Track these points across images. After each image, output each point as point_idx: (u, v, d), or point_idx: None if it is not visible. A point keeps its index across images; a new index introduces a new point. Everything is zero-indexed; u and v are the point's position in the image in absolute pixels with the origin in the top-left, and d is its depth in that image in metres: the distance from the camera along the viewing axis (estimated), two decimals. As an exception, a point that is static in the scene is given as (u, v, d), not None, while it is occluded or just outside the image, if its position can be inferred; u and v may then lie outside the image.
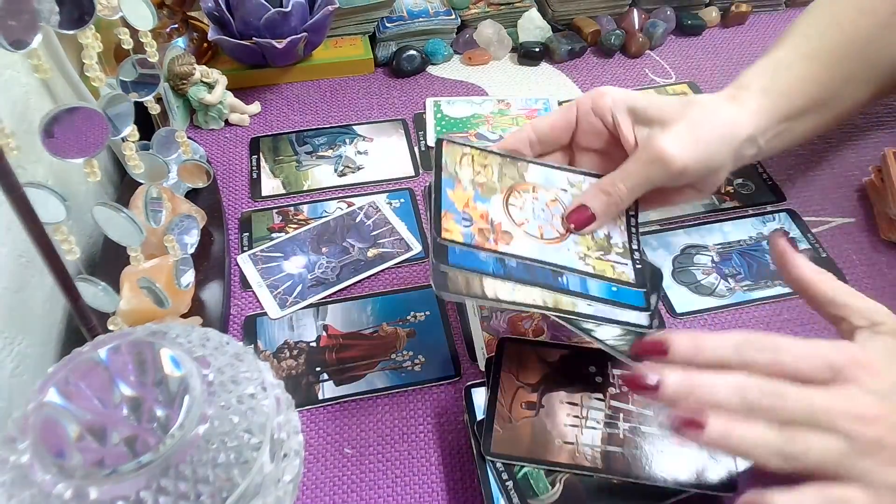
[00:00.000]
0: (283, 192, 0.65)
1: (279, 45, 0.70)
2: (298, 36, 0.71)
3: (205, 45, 0.76)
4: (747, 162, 0.51)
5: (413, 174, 0.67)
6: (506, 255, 0.43)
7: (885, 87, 0.59)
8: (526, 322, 0.54)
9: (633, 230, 0.48)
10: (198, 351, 0.34)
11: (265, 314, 0.55)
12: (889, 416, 0.35)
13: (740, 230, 0.60)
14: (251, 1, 0.69)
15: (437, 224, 0.43)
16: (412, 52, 0.77)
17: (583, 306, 0.42)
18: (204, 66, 0.70)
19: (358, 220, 0.62)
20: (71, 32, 0.41)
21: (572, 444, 0.43)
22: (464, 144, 0.47)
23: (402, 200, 0.64)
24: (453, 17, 0.80)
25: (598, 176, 0.49)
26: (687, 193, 0.50)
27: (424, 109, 0.73)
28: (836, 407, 0.35)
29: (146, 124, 0.52)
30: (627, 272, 0.45)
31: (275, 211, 0.63)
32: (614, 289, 0.44)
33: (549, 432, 0.43)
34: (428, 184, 0.47)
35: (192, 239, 0.55)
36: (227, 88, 0.71)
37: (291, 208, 0.64)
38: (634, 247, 0.47)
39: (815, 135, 0.58)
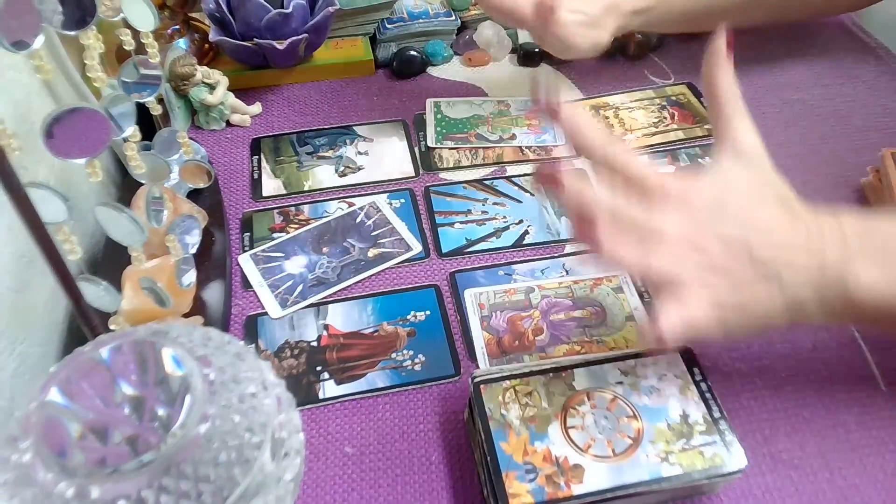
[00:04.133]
0: (284, 192, 0.65)
1: (280, 46, 0.70)
2: (299, 37, 0.71)
3: (206, 46, 0.76)
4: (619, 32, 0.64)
5: (413, 174, 0.67)
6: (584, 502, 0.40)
7: (788, 13, 0.72)
8: (526, 321, 0.54)
9: (709, 395, 0.44)
10: (199, 350, 0.34)
11: (266, 314, 0.55)
12: (707, 238, 0.41)
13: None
14: (252, 2, 0.70)
15: (502, 490, 0.40)
16: (412, 52, 0.77)
17: None
18: (205, 67, 0.70)
19: (358, 220, 0.62)
20: (73, 33, 0.41)
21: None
22: (500, 378, 0.44)
23: (403, 200, 0.64)
24: (453, 18, 0.80)
25: (640, 355, 0.46)
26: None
27: (425, 110, 0.73)
28: (666, 227, 0.41)
29: (148, 125, 0.52)
30: (719, 451, 0.41)
31: (276, 211, 0.64)
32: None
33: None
34: (476, 437, 0.45)
35: (194, 239, 0.55)
36: (229, 89, 0.71)
37: (292, 208, 0.64)
38: (717, 414, 0.43)
39: (697, 30, 0.69)
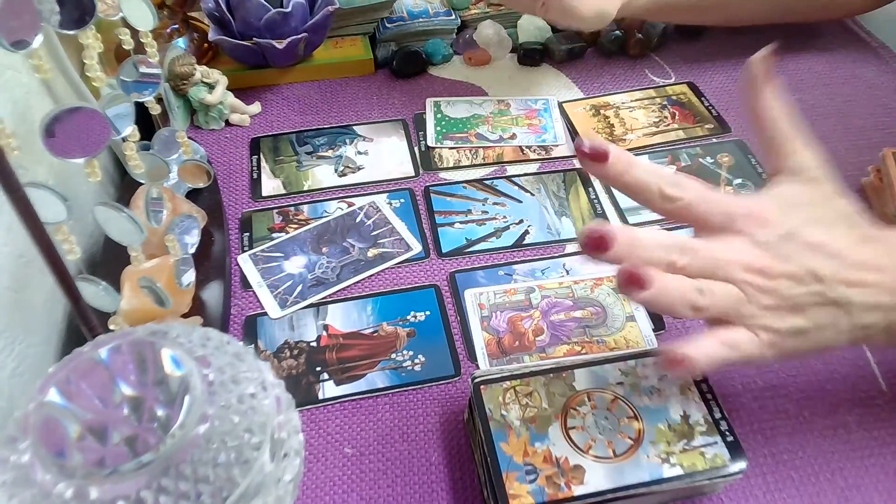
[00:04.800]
0: (284, 192, 0.65)
1: (279, 45, 0.70)
2: (299, 36, 0.71)
3: (205, 45, 0.76)
4: (625, 11, 0.64)
5: (413, 174, 0.67)
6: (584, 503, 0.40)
7: (791, 11, 0.71)
8: (526, 321, 0.54)
9: (710, 395, 0.44)
10: (198, 351, 0.34)
11: (265, 314, 0.55)
12: (773, 266, 0.39)
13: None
14: (252, 1, 0.69)
15: (502, 491, 0.40)
16: (412, 52, 0.77)
17: None
18: (204, 67, 0.70)
19: (358, 220, 0.62)
20: (72, 33, 0.41)
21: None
22: (500, 378, 0.44)
23: (403, 200, 0.64)
24: (453, 17, 0.80)
25: (649, 353, 0.46)
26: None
27: (424, 110, 0.73)
28: (730, 257, 0.39)
29: (147, 124, 0.52)
30: (720, 452, 0.41)
31: (275, 211, 0.63)
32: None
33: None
34: (476, 437, 0.45)
35: (193, 239, 0.55)
36: (228, 89, 0.71)
37: (292, 208, 0.64)
38: (718, 415, 0.43)
39: (701, 21, 0.71)
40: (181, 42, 0.74)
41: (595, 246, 0.38)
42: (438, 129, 0.71)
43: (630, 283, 0.37)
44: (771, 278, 0.39)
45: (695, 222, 0.41)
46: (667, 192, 0.40)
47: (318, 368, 0.52)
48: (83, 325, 0.43)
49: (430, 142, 0.69)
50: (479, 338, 0.53)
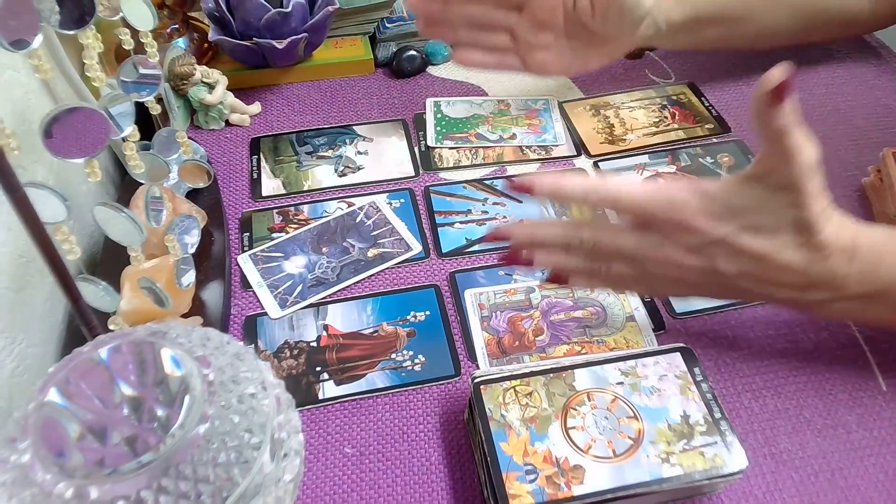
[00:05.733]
0: (284, 192, 0.65)
1: (279, 45, 0.70)
2: (299, 36, 0.71)
3: (205, 45, 0.76)
4: (651, 41, 0.64)
5: (413, 174, 0.67)
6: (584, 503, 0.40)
7: (809, 27, 0.71)
8: (526, 321, 0.54)
9: (710, 395, 0.44)
10: (198, 351, 0.34)
11: (265, 314, 0.55)
12: (679, 261, 0.44)
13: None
14: (251, 1, 0.69)
15: (502, 491, 0.40)
16: (412, 52, 0.77)
17: None
18: (204, 67, 0.70)
19: (358, 220, 0.62)
20: (71, 33, 0.41)
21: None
22: (501, 378, 0.44)
23: (402, 200, 0.64)
24: (453, 17, 0.80)
25: (657, 353, 0.46)
26: (593, 53, 0.64)
27: (424, 110, 0.73)
28: (641, 249, 0.44)
29: (147, 124, 0.52)
30: (720, 452, 0.41)
31: (275, 211, 0.63)
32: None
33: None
34: (476, 437, 0.45)
35: (193, 239, 0.55)
36: (228, 89, 0.71)
37: (292, 208, 0.64)
38: (718, 415, 0.43)
39: (729, 47, 0.71)
40: (181, 42, 0.74)
41: (518, 187, 0.45)
42: (438, 129, 0.71)
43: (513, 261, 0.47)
44: (676, 268, 0.44)
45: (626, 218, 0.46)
46: (594, 198, 0.44)
47: (318, 368, 0.52)
48: (83, 325, 0.43)
49: (431, 142, 0.69)
50: (479, 338, 0.53)
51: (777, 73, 0.39)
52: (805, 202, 0.42)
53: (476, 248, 0.60)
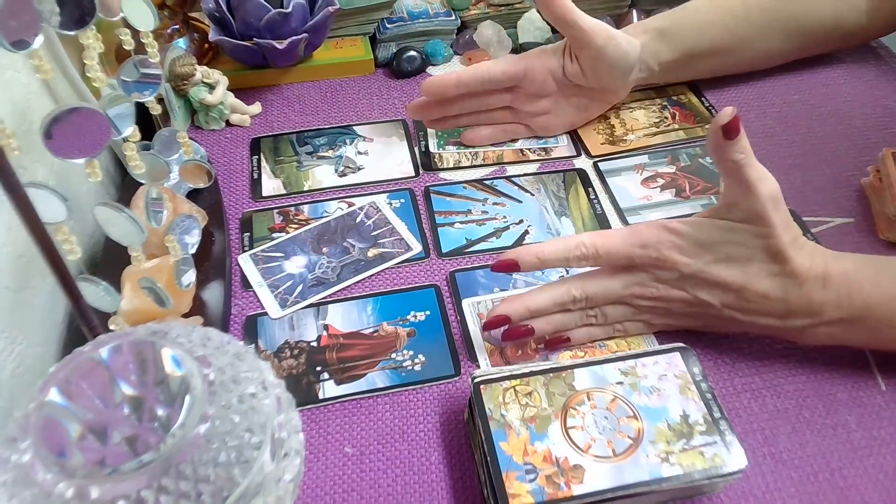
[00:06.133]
0: (284, 192, 0.65)
1: (280, 45, 0.70)
2: (299, 37, 0.71)
3: (206, 45, 0.76)
4: (648, 80, 0.69)
5: (413, 174, 0.67)
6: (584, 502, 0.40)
7: (806, 44, 0.72)
8: (526, 322, 0.54)
9: (709, 395, 0.44)
10: (199, 350, 0.34)
11: (266, 314, 0.55)
12: (666, 293, 0.48)
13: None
14: (252, 2, 0.69)
15: (502, 490, 0.40)
16: (412, 52, 0.77)
17: None
18: (205, 67, 0.70)
19: (358, 220, 0.62)
20: (72, 33, 0.41)
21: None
22: (500, 378, 0.45)
23: (403, 200, 0.64)
24: (453, 17, 0.80)
25: (656, 352, 0.46)
26: (594, 104, 0.68)
27: (425, 110, 0.73)
28: (629, 290, 0.49)
29: (147, 125, 0.52)
30: (720, 452, 0.41)
31: (275, 211, 0.63)
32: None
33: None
34: (476, 437, 0.45)
35: (193, 239, 0.55)
36: (228, 89, 0.71)
37: (292, 208, 0.64)
38: (717, 414, 0.43)
39: (728, 73, 0.73)
40: (182, 42, 0.74)
41: (503, 267, 0.49)
42: (440, 133, 0.71)
43: (515, 335, 0.50)
44: (664, 301, 0.49)
45: (608, 266, 0.49)
46: (575, 258, 0.48)
47: (319, 368, 0.52)
48: (83, 325, 0.43)
49: (433, 147, 0.69)
50: (482, 349, 0.53)
51: (727, 112, 0.43)
52: (773, 233, 0.44)
53: (476, 248, 0.60)
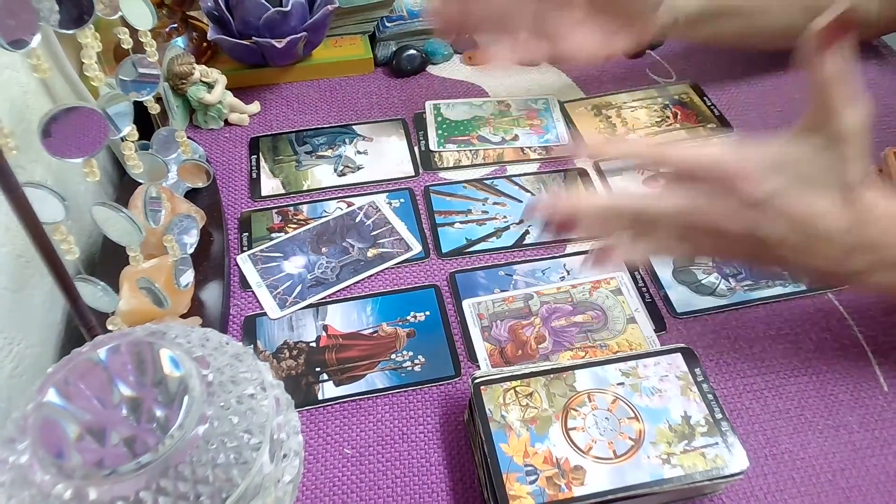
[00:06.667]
0: (283, 191, 0.65)
1: (279, 44, 0.70)
2: (298, 35, 0.71)
3: (204, 44, 0.76)
4: (670, 30, 0.66)
5: (413, 174, 0.67)
6: None
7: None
8: (528, 329, 0.54)
9: (711, 396, 0.44)
10: (197, 351, 0.34)
11: (265, 314, 0.55)
12: (721, 219, 0.42)
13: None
14: (251, 0, 0.69)
15: (502, 492, 0.39)
16: (412, 51, 0.77)
17: None
18: (203, 66, 0.70)
19: (358, 219, 0.62)
20: (70, 32, 0.41)
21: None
22: (501, 379, 0.44)
23: (402, 200, 0.64)
24: (453, 16, 0.80)
25: (657, 353, 0.46)
26: (620, 32, 0.64)
27: (424, 109, 0.73)
28: (688, 205, 0.42)
29: (145, 124, 0.52)
30: (721, 453, 0.41)
31: (274, 211, 0.63)
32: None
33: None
34: (476, 438, 0.44)
35: (192, 239, 0.55)
36: (227, 88, 0.71)
37: (291, 208, 0.64)
38: (719, 415, 0.43)
39: (744, 45, 0.72)
40: (180, 41, 0.74)
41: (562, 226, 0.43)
42: (440, 132, 0.70)
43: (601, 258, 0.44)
44: (718, 224, 0.42)
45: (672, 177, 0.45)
46: (644, 154, 0.45)
47: (318, 369, 0.52)
48: (82, 325, 0.42)
49: (433, 146, 0.69)
50: (482, 349, 0.52)
51: (839, 6, 0.39)
52: (847, 165, 0.42)
53: (476, 248, 0.60)
